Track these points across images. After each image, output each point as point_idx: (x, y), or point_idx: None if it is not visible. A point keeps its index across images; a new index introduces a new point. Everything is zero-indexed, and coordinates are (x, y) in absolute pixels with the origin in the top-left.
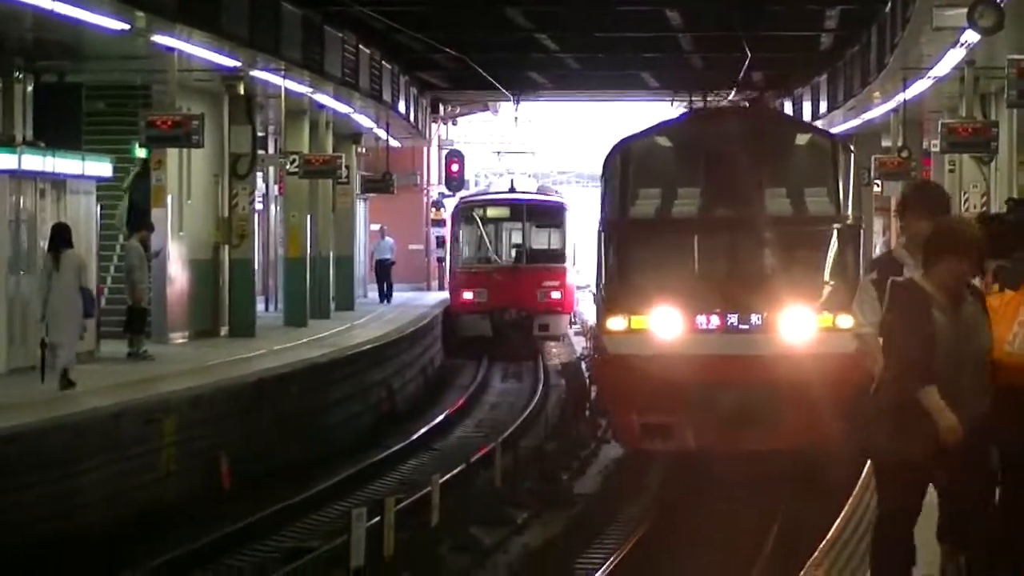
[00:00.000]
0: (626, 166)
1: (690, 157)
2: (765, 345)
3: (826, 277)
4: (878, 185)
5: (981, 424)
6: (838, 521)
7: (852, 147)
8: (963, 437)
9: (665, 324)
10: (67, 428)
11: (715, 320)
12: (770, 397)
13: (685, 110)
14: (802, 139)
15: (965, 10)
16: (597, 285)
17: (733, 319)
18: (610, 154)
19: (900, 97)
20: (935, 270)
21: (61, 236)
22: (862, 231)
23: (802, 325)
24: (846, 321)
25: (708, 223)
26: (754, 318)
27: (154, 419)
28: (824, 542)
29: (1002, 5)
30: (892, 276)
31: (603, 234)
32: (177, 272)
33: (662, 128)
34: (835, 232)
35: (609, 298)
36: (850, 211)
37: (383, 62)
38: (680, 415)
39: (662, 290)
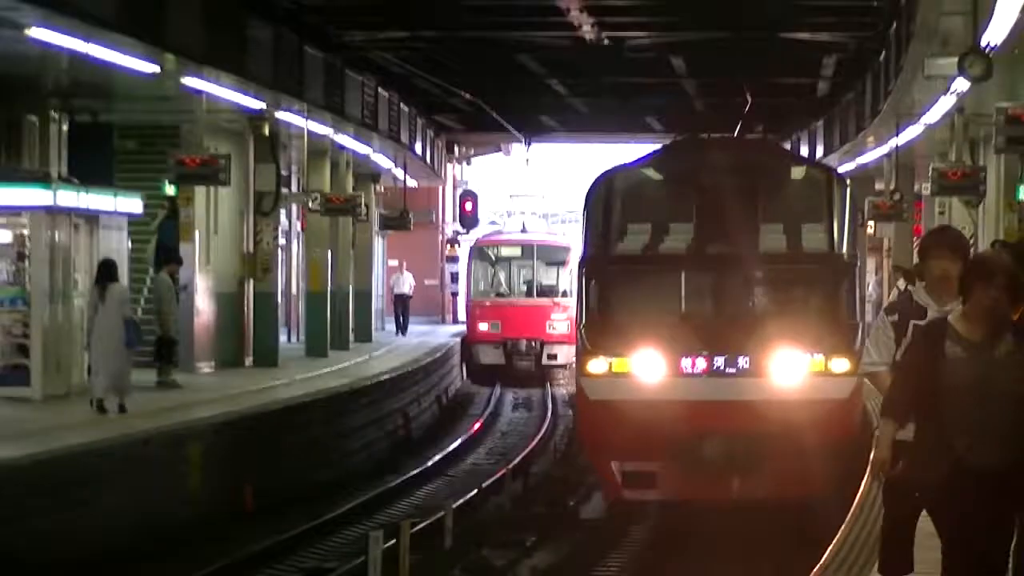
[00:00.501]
0: (608, 200)
1: (675, 190)
2: (753, 390)
3: (820, 318)
4: (871, 226)
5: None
6: (835, 540)
7: (848, 181)
8: (992, 476)
9: (648, 367)
10: (98, 453)
11: (701, 363)
12: (758, 445)
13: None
14: (795, 171)
15: (956, 59)
16: (578, 325)
17: (720, 362)
18: (591, 187)
19: (893, 142)
20: (969, 302)
21: (107, 271)
22: (858, 269)
23: (793, 369)
24: (839, 365)
25: (694, 260)
26: (742, 361)
27: (181, 445)
28: (824, 557)
29: (991, 55)
30: (913, 319)
31: (583, 271)
32: (204, 304)
33: (646, 160)
34: (829, 270)
35: (589, 339)
36: (845, 248)
37: (401, 105)
38: (664, 463)
39: (645, 331)
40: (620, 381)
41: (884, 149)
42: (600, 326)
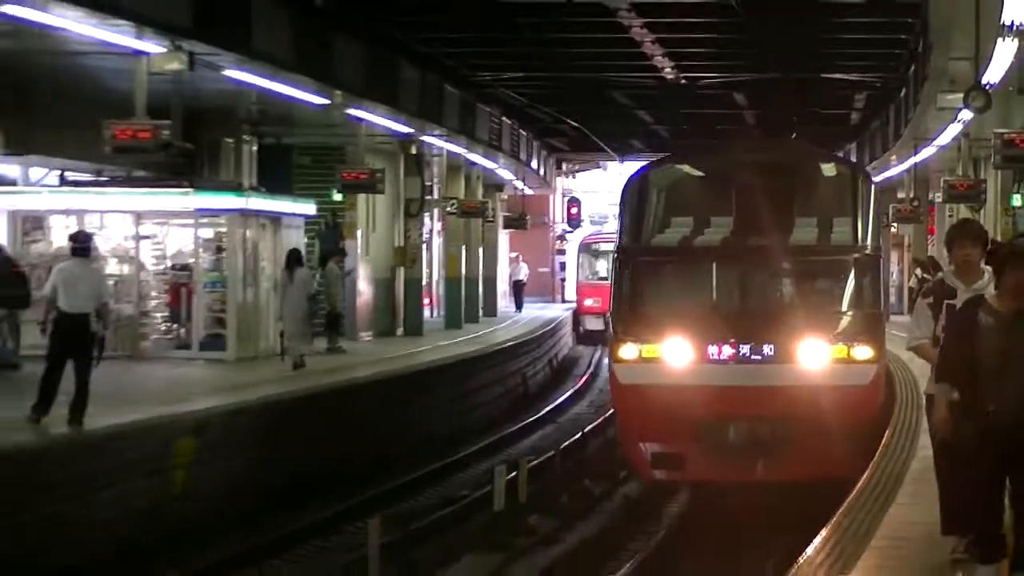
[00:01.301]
0: (642, 194)
1: (705, 185)
2: (777, 376)
3: (843, 307)
4: (894, 227)
5: None
6: (863, 479)
7: (871, 175)
8: (1013, 433)
9: (676, 353)
10: (286, 404)
11: (727, 350)
12: (781, 428)
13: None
14: (820, 167)
15: (961, 95)
16: (611, 313)
17: (745, 349)
18: (627, 183)
19: (912, 160)
20: (1002, 282)
21: (295, 258)
22: (881, 261)
23: (815, 356)
24: (862, 352)
25: (722, 251)
26: (766, 348)
27: (349, 396)
28: (852, 494)
29: (990, 91)
30: (946, 299)
31: (617, 261)
32: (364, 287)
33: (679, 157)
34: (852, 261)
35: (621, 326)
36: (869, 240)
37: (520, 130)
38: (691, 445)
39: (674, 319)
40: (650, 367)
41: (904, 166)
42: (631, 314)
